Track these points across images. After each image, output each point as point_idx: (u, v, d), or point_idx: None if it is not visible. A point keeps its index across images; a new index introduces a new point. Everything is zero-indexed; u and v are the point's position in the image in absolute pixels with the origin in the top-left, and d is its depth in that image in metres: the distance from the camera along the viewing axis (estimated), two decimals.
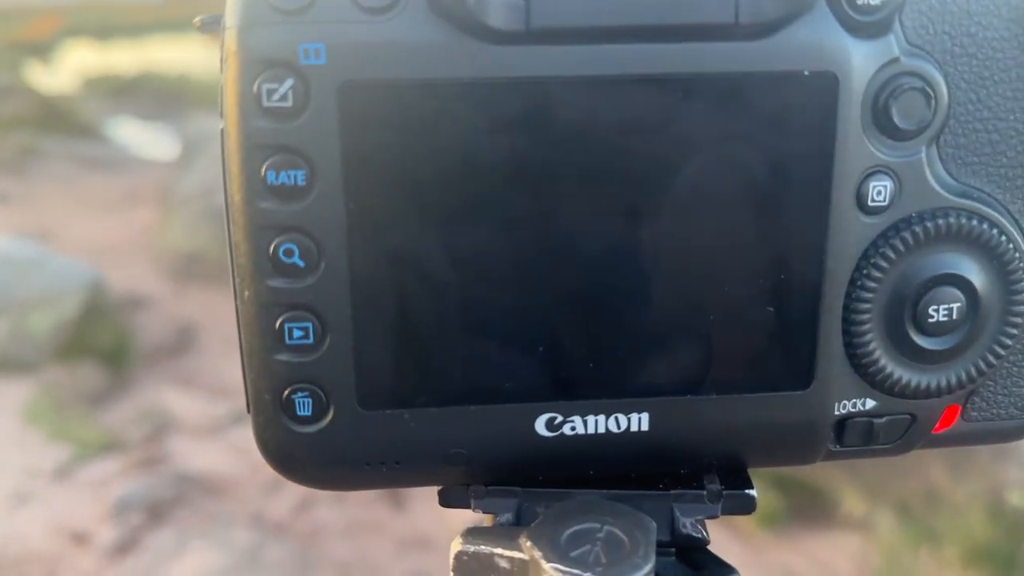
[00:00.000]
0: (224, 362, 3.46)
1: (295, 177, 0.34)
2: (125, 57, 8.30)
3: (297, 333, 0.36)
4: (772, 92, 0.35)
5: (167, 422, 3.10)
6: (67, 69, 8.27)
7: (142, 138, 6.56)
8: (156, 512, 2.54)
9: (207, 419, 3.08)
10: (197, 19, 0.36)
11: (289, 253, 0.35)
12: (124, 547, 2.41)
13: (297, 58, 0.33)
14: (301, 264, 0.35)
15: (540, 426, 0.38)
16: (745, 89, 0.35)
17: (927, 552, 2.19)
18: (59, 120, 6.37)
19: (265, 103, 0.33)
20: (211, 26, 0.36)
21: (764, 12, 0.34)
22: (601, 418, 0.38)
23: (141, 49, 8.06)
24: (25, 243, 3.93)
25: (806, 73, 0.35)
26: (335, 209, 0.35)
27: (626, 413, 0.38)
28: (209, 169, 4.52)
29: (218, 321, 3.75)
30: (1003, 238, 0.38)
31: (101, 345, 3.55)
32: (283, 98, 0.33)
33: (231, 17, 0.34)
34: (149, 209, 5.02)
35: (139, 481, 2.69)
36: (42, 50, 7.81)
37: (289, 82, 0.33)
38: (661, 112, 0.35)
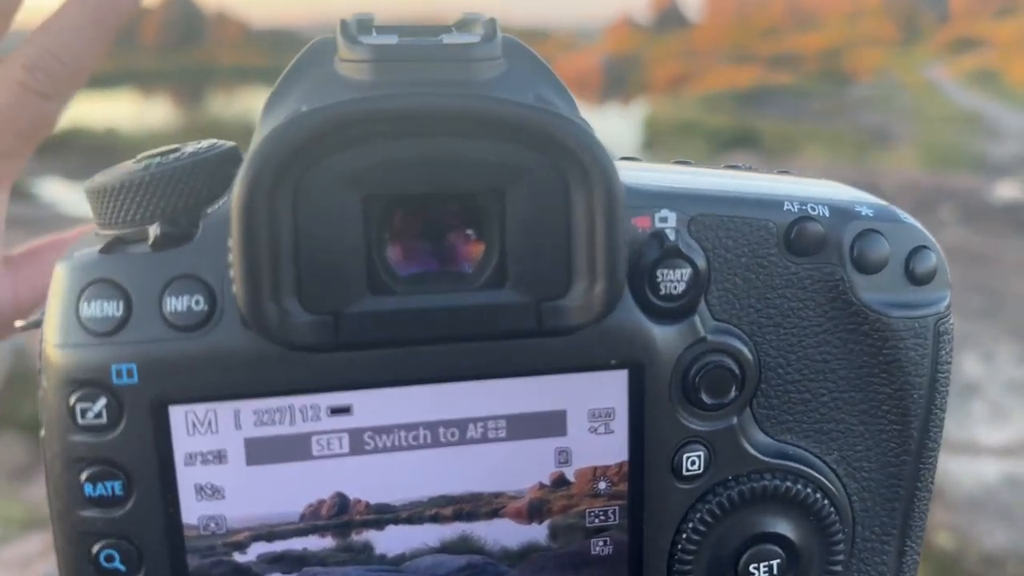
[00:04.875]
0: None
1: (112, 488, 0.35)
2: None
3: None
4: (579, 381, 0.37)
5: None
6: None
7: (70, 196, 6.45)
8: None
9: None
10: (18, 323, 0.37)
11: (110, 559, 0.35)
12: None
13: (109, 378, 0.34)
14: (123, 568, 0.35)
15: None
16: (552, 380, 0.37)
17: None
18: None
19: (80, 420, 0.34)
20: (32, 328, 0.36)
21: (565, 319, 0.35)
22: None
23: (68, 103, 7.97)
24: None
25: (612, 362, 0.37)
26: (154, 515, 0.35)
27: None
28: None
29: None
30: (818, 495, 0.40)
31: (24, 416, 3.46)
32: (97, 415, 0.34)
33: (48, 334, 0.34)
34: None
35: None
36: None
37: (102, 401, 0.34)
38: (468, 408, 0.37)
